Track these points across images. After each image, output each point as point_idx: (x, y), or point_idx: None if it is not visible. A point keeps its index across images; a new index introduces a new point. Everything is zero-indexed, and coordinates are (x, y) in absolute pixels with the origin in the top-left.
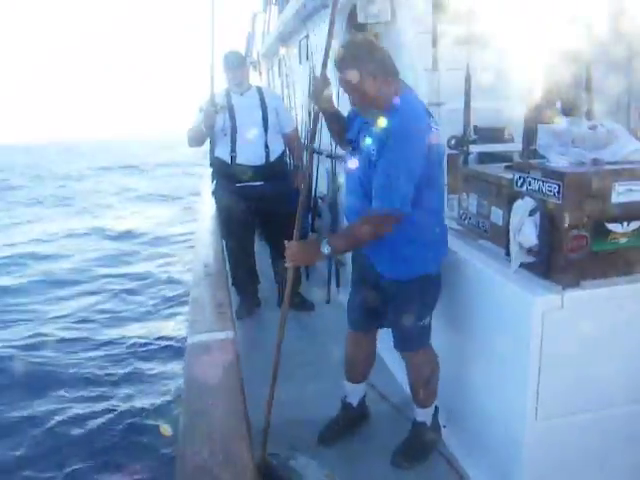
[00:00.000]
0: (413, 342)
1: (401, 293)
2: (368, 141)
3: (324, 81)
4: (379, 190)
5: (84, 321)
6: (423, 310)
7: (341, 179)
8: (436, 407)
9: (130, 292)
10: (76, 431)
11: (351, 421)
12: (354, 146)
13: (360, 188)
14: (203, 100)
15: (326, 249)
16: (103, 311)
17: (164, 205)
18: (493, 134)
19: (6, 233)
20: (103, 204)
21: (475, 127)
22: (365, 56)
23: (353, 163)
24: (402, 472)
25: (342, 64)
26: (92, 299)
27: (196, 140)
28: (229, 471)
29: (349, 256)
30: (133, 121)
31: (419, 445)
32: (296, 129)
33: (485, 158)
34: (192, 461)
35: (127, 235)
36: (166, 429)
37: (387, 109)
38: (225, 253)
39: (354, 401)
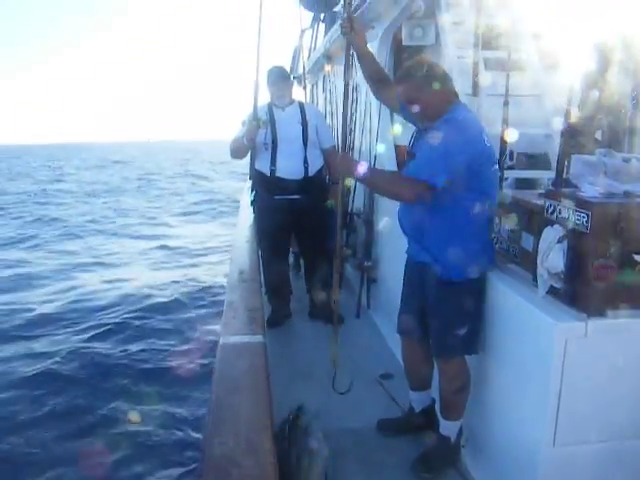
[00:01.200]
0: (445, 349)
1: (441, 293)
2: (421, 147)
3: (355, 20)
4: (413, 164)
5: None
6: (459, 317)
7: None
8: (461, 427)
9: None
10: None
11: (412, 425)
12: (411, 156)
13: None
14: (246, 113)
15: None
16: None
17: None
18: (531, 160)
19: None
20: None
21: (511, 152)
22: (423, 71)
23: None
24: None
25: (402, 76)
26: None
27: (238, 152)
28: (251, 459)
29: (383, 273)
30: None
31: (437, 457)
32: (335, 145)
33: (521, 184)
34: (218, 450)
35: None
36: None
37: (440, 119)
38: (260, 262)
39: (416, 407)
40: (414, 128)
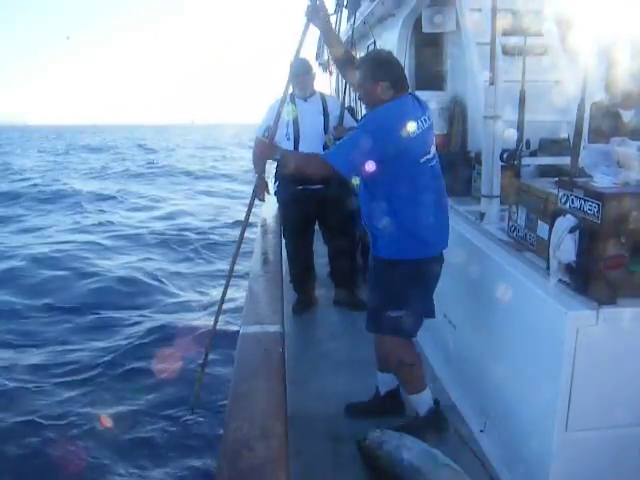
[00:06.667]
0: (370, 324)
1: (374, 269)
2: None
3: (320, 3)
4: (334, 146)
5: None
6: (392, 299)
7: None
8: (435, 400)
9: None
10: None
11: (378, 407)
12: None
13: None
14: (275, 98)
15: (277, 154)
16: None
17: None
18: (555, 146)
19: None
20: None
21: (528, 141)
22: (373, 62)
23: None
24: None
25: (358, 62)
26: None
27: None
28: (264, 444)
29: None
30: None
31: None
32: (351, 127)
33: (546, 171)
34: (233, 435)
35: None
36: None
37: (374, 107)
38: (284, 252)
39: (382, 389)
40: None
